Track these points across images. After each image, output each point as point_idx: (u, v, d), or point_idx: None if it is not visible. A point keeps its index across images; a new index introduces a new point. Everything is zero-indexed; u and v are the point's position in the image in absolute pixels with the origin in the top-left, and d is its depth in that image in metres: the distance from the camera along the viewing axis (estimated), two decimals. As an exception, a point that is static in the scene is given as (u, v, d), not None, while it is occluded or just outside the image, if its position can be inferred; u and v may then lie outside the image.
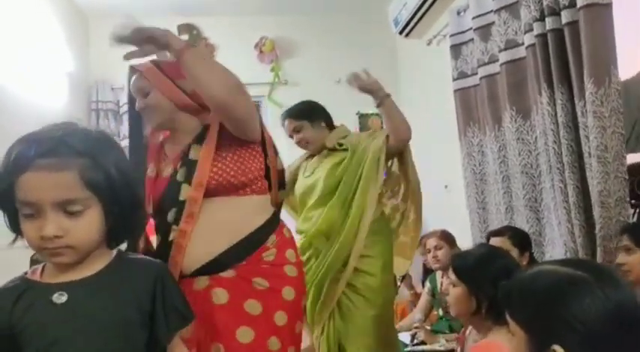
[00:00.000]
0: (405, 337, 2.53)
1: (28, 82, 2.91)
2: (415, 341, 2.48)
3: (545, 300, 0.78)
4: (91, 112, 3.80)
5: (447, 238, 2.71)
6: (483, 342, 1.27)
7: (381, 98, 2.09)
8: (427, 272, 3.10)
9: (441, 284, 2.63)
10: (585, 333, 0.73)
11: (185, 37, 1.62)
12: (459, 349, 1.91)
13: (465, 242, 2.74)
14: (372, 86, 2.10)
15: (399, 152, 2.19)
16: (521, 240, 2.14)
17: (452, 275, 1.38)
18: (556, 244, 2.22)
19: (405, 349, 2.42)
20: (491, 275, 1.21)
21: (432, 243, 2.70)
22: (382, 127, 4.23)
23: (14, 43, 2.77)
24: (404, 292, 3.44)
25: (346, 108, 4.24)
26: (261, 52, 4.07)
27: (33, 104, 2.94)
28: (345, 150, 2.13)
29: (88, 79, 3.84)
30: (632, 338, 0.75)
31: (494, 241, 2.11)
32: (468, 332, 1.54)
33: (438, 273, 2.75)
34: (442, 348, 2.27)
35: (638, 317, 0.76)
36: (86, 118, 3.79)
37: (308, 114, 2.24)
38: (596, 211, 1.89)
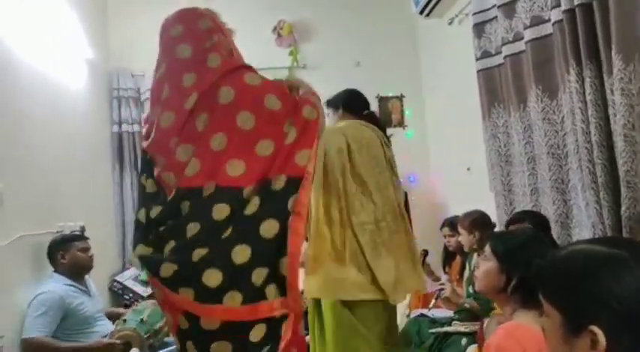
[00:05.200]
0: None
1: (50, 68, 2.94)
2: (437, 298, 2.46)
3: (580, 279, 0.75)
4: (113, 100, 3.84)
5: (479, 224, 2.62)
6: (511, 324, 1.25)
7: None
8: (448, 255, 3.08)
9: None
10: (623, 312, 0.71)
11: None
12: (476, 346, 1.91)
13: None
14: None
15: None
16: (541, 224, 2.11)
17: (487, 249, 1.36)
18: (583, 226, 2.17)
19: (430, 330, 2.41)
20: (527, 256, 1.19)
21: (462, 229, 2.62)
22: (402, 110, 4.25)
23: (34, 28, 2.79)
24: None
25: (365, 91, 4.18)
26: (279, 36, 4.05)
27: (55, 91, 2.98)
28: None
29: (108, 66, 3.87)
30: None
31: (514, 227, 2.07)
32: (485, 325, 1.53)
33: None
34: (465, 329, 2.25)
35: None
36: (108, 105, 3.83)
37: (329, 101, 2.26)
38: (623, 191, 1.84)
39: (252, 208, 1.20)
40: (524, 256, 1.21)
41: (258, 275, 1.17)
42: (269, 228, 1.19)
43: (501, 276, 1.29)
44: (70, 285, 2.40)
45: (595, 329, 0.72)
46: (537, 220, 2.14)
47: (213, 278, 1.16)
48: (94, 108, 3.56)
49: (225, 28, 1.56)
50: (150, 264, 1.22)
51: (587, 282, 0.74)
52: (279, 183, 1.22)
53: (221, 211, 1.19)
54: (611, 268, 0.74)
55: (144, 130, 1.42)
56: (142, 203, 1.31)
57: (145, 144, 1.34)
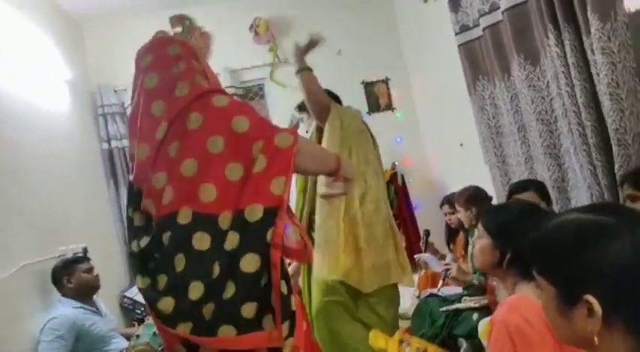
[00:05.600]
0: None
1: (31, 91, 2.92)
2: (444, 278, 2.49)
3: (570, 250, 0.75)
4: (99, 117, 3.81)
5: (474, 200, 2.61)
6: (513, 297, 1.26)
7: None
8: (451, 232, 3.09)
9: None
10: (617, 278, 0.71)
11: (178, 29, 1.59)
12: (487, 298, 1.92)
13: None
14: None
15: None
16: (546, 191, 2.11)
17: (480, 227, 1.37)
18: (580, 188, 2.18)
19: (440, 309, 2.42)
20: (519, 230, 1.19)
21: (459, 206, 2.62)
22: (389, 93, 4.24)
23: (12, 53, 2.77)
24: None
25: (351, 78, 4.19)
26: (256, 33, 4.02)
27: (39, 113, 2.96)
28: None
29: (89, 84, 3.84)
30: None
31: (521, 197, 2.07)
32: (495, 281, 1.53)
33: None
34: (475, 304, 2.26)
35: None
36: (94, 123, 3.81)
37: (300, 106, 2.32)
38: (614, 150, 1.84)
39: (231, 244, 1.17)
40: (515, 230, 1.22)
41: (248, 311, 1.16)
42: (250, 263, 1.16)
43: (495, 252, 1.29)
44: (80, 307, 2.40)
45: (589, 297, 0.72)
46: (540, 187, 2.14)
47: (209, 312, 1.15)
48: (80, 127, 3.55)
49: (204, 34, 1.53)
50: (148, 298, 1.21)
51: (577, 252, 0.74)
52: (256, 214, 1.18)
53: (202, 241, 1.17)
54: (600, 236, 0.73)
55: (130, 164, 1.40)
56: (131, 236, 1.29)
57: (131, 178, 1.33)
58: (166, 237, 1.18)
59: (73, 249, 2.74)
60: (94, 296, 2.56)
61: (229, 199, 1.19)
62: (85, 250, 2.82)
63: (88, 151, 3.64)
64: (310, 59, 2.11)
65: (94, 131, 3.81)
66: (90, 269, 2.52)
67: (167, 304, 1.15)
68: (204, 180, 1.20)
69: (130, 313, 3.40)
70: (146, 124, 1.28)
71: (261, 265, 1.16)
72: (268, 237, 1.17)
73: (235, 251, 1.16)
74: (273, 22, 4.07)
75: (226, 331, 1.15)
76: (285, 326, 1.20)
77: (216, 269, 1.15)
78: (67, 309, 2.35)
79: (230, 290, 1.15)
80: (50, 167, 2.92)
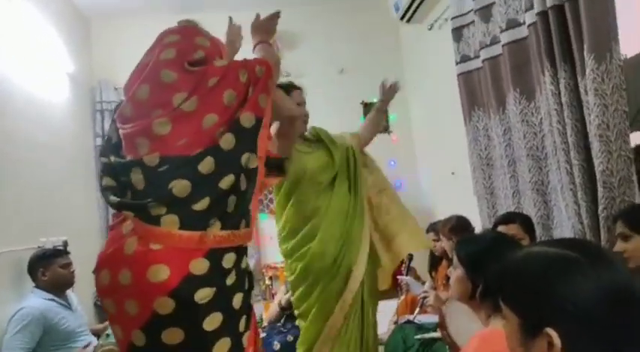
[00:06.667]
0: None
1: (31, 81, 2.93)
2: (421, 306, 2.47)
3: (534, 282, 0.75)
4: (96, 112, 3.82)
5: (457, 230, 2.61)
6: (485, 331, 1.24)
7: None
8: (434, 260, 3.07)
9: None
10: (578, 314, 0.70)
11: None
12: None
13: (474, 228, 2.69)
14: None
15: None
16: (531, 225, 2.10)
17: (455, 258, 1.36)
18: (564, 227, 2.17)
19: (415, 336, 2.40)
20: (489, 260, 1.18)
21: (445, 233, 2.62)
22: (387, 115, 4.27)
23: (16, 43, 2.79)
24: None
25: (351, 98, 4.22)
26: (262, 45, 4.04)
27: (36, 103, 2.96)
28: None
29: (90, 79, 3.86)
30: (628, 319, 0.72)
31: (505, 229, 2.06)
32: (445, 307, 1.53)
33: None
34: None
35: (634, 297, 0.73)
36: (90, 118, 3.82)
37: None
38: (599, 191, 1.84)
39: (228, 144, 1.32)
40: (485, 260, 1.21)
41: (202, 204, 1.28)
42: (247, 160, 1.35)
43: (468, 283, 1.29)
44: (51, 300, 2.37)
45: (550, 331, 0.71)
46: (526, 221, 2.13)
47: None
48: (76, 121, 3.55)
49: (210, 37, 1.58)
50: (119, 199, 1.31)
51: (541, 285, 0.74)
52: (248, 121, 1.36)
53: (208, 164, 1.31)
54: (564, 270, 0.73)
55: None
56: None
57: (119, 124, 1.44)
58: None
59: (53, 242, 2.72)
60: (67, 290, 2.53)
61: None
62: (66, 243, 2.80)
63: (82, 146, 3.63)
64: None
65: (90, 126, 3.81)
66: (67, 265, 2.50)
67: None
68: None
69: (104, 313, 3.34)
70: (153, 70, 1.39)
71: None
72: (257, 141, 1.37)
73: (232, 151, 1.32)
74: (280, 34, 4.10)
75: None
76: (242, 320, 1.33)
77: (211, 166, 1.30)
78: (37, 301, 2.32)
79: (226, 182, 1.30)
80: (42, 158, 2.91)
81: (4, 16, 2.71)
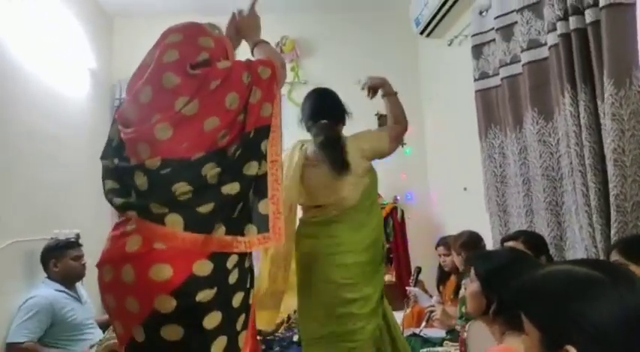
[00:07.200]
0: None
1: (51, 74, 2.97)
2: (427, 320, 2.47)
3: (558, 299, 0.76)
4: (114, 110, 3.85)
5: (468, 245, 2.61)
6: (500, 348, 1.25)
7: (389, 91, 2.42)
8: (443, 274, 3.07)
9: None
10: (598, 336, 0.71)
11: None
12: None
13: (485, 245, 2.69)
14: (382, 80, 2.47)
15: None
16: (536, 243, 2.10)
17: (472, 271, 1.37)
18: (577, 248, 2.17)
19: (421, 350, 2.40)
20: (507, 277, 1.18)
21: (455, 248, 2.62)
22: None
23: (38, 38, 2.84)
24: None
25: (365, 109, 4.23)
26: (281, 51, 4.09)
27: (56, 97, 3.01)
28: None
29: (111, 77, 3.91)
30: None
31: (508, 245, 2.07)
32: (466, 332, 1.52)
33: None
34: (456, 350, 2.23)
35: None
36: (109, 115, 3.86)
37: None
38: (612, 215, 1.85)
39: (233, 152, 1.31)
40: (502, 279, 1.20)
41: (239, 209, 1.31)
42: (250, 168, 1.33)
43: (482, 298, 1.29)
44: (62, 291, 2.40)
45: (571, 349, 0.72)
46: (532, 240, 2.13)
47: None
48: (95, 117, 3.59)
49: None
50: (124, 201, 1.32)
51: (565, 302, 0.75)
52: (255, 131, 1.36)
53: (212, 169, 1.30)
54: (589, 290, 0.74)
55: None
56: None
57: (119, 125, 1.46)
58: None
59: (66, 234, 2.75)
60: (77, 283, 2.55)
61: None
62: (78, 236, 2.83)
63: (99, 142, 3.65)
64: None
65: (108, 123, 3.83)
66: (79, 257, 2.52)
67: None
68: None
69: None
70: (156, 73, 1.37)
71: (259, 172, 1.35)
72: (262, 147, 1.36)
73: (240, 157, 1.32)
74: (300, 42, 4.15)
75: (218, 230, 1.29)
76: (240, 319, 1.32)
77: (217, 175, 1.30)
78: (48, 290, 2.35)
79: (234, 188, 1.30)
80: (59, 151, 2.95)
81: (29, 9, 2.77)
